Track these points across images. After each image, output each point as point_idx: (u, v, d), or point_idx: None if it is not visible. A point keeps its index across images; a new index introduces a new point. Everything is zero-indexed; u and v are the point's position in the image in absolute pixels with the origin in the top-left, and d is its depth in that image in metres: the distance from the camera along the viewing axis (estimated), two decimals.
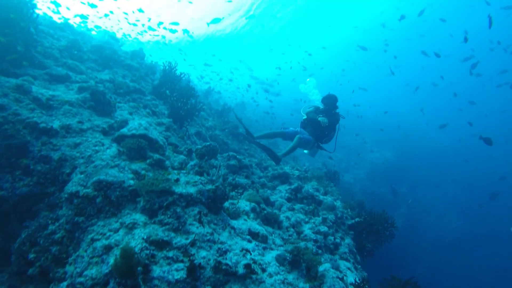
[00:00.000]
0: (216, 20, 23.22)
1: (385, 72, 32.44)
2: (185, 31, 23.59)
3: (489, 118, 34.32)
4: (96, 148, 4.23)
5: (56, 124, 4.21)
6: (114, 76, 6.75)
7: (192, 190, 4.03)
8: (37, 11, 5.89)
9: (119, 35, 24.95)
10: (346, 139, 28.31)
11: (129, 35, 29.76)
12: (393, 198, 20.60)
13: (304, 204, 6.99)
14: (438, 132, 29.71)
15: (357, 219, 7.57)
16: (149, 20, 25.19)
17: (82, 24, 17.30)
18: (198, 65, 33.74)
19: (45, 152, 4.02)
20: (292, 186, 7.42)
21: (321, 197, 7.54)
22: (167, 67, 7.62)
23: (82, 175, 3.89)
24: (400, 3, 31.39)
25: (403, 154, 26.50)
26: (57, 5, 14.50)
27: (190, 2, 26.02)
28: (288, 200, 7.05)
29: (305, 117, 7.29)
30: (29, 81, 4.72)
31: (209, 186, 4.24)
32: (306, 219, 6.18)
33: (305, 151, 7.67)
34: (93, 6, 20.52)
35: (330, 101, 7.11)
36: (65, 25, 8.74)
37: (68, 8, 17.94)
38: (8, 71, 5.28)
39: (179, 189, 3.85)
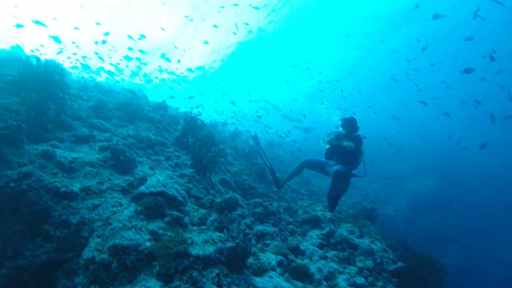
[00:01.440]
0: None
1: (413, 96, 31.29)
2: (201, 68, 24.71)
3: None
4: (114, 209, 4.20)
5: (76, 187, 4.27)
6: (137, 130, 6.97)
7: (210, 249, 3.80)
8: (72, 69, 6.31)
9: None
10: (383, 169, 26.97)
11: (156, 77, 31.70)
12: (444, 241, 18.61)
13: (338, 251, 6.44)
14: (479, 155, 27.47)
15: (399, 264, 6.80)
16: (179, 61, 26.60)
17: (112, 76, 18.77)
18: (222, 101, 34.50)
19: (65, 216, 4.03)
20: (324, 231, 6.93)
21: (357, 240, 6.93)
22: (188, 117, 7.78)
23: (99, 239, 3.81)
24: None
25: (446, 181, 24.61)
26: (86, 67, 15.94)
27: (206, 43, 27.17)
28: (320, 246, 6.54)
29: (327, 146, 6.92)
30: (55, 145, 4.93)
31: (229, 244, 3.99)
32: (341, 269, 5.64)
33: None
34: (128, 58, 22.36)
35: (349, 124, 6.74)
36: (95, 85, 9.42)
37: (97, 73, 19.73)
38: (40, 136, 5.60)
39: (195, 250, 3.63)
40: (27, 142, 4.84)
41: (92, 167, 4.70)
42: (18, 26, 15.15)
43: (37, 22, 15.90)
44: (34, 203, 4.04)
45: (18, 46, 14.28)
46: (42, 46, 21.54)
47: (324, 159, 6.71)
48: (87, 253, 3.65)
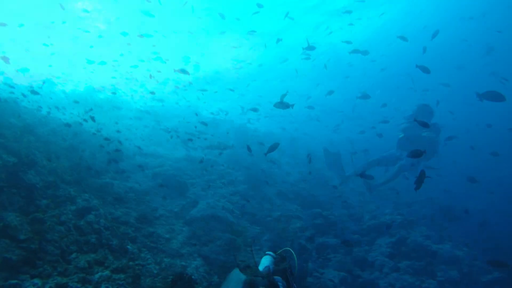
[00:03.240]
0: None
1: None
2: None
3: None
4: (168, 235, 4.29)
5: (132, 218, 4.47)
6: (189, 152, 7.20)
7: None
8: None
9: None
10: (458, 158, 23.98)
11: None
12: None
13: (412, 260, 5.73)
14: None
15: (496, 274, 5.75)
16: None
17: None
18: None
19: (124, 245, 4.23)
20: (394, 239, 6.25)
21: (435, 246, 6.12)
22: (239, 132, 7.80)
23: (158, 267, 3.91)
24: None
25: None
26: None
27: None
28: (391, 256, 5.89)
29: (401, 135, 6.34)
30: (113, 177, 5.28)
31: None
32: (417, 283, 4.98)
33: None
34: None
35: (426, 113, 6.12)
36: (151, 111, 10.10)
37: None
38: (103, 169, 6.07)
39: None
40: (91, 177, 5.27)
41: (146, 195, 4.91)
42: (89, 62, 17.47)
43: (102, 63, 17.94)
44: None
45: (90, 86, 16.42)
46: (113, 85, 24.38)
47: (395, 151, 6.23)
48: (147, 281, 3.74)
